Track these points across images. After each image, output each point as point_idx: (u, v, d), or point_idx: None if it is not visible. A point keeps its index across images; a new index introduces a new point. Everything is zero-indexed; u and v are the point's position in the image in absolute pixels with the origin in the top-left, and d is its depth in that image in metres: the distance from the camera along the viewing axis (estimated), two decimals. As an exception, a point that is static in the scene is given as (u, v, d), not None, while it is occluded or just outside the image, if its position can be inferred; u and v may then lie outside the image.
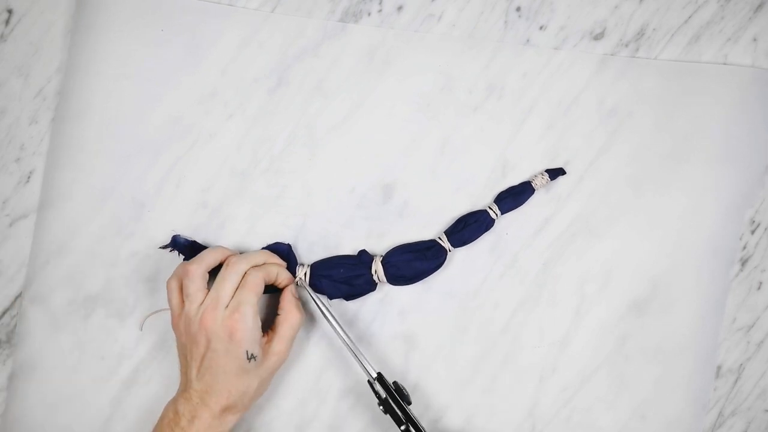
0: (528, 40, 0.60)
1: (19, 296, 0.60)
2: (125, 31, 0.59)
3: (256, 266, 0.55)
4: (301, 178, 0.60)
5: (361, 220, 0.60)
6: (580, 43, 0.60)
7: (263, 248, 0.59)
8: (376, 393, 0.55)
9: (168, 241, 0.59)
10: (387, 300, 0.60)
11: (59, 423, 0.59)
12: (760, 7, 0.60)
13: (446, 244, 0.58)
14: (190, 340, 0.53)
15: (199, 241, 0.59)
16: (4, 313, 0.60)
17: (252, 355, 0.52)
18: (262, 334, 0.54)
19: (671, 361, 0.60)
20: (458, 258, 0.60)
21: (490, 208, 0.59)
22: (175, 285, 0.54)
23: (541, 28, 0.60)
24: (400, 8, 0.60)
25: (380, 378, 0.55)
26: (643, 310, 0.60)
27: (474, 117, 0.60)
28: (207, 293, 0.53)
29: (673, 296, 0.60)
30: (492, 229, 0.59)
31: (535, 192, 0.59)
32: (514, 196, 0.59)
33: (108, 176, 0.59)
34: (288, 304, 0.56)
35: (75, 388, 0.59)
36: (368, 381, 0.55)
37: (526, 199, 0.59)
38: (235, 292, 0.53)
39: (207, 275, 0.54)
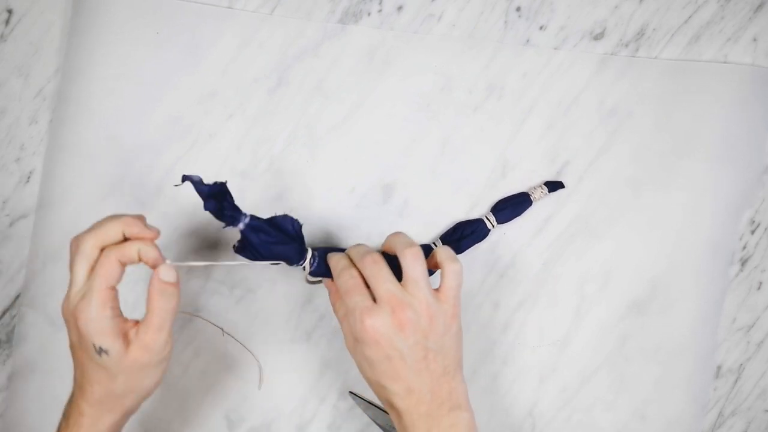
0: (528, 40, 0.60)
1: (19, 296, 0.60)
2: (125, 32, 0.59)
3: (112, 245, 0.46)
4: (301, 178, 0.60)
5: (361, 220, 0.60)
6: (580, 43, 0.60)
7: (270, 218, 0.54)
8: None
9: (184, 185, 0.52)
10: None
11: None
12: (760, 7, 0.60)
13: None
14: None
15: (201, 241, 0.59)
16: (4, 313, 0.60)
17: (101, 348, 0.45)
18: (117, 323, 0.46)
19: (671, 361, 0.60)
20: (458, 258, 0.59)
21: (486, 218, 0.58)
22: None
23: (541, 28, 0.60)
24: (400, 8, 0.60)
25: None
26: (642, 311, 0.60)
27: (474, 117, 0.60)
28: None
29: (673, 296, 0.60)
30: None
31: (533, 204, 0.59)
32: (512, 207, 0.59)
33: (108, 176, 0.59)
34: (153, 289, 0.46)
35: (75, 388, 0.59)
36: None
37: (523, 211, 0.59)
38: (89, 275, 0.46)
39: (96, 252, 0.46)
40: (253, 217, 0.52)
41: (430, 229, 0.60)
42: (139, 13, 0.59)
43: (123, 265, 0.46)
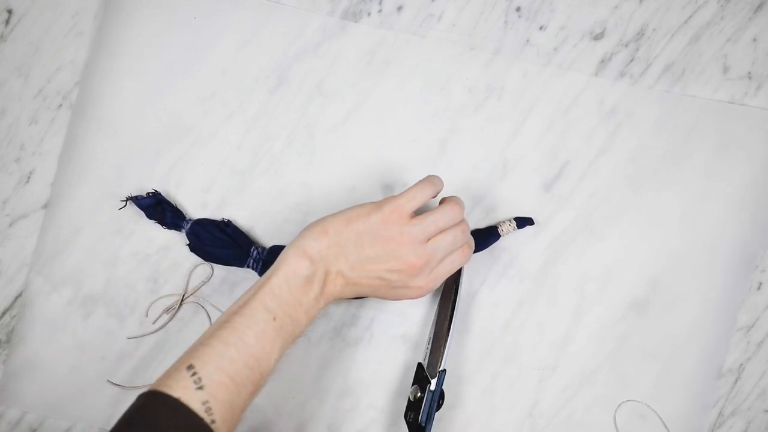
0: (528, 40, 0.60)
1: (19, 296, 0.60)
2: (131, 33, 0.59)
3: None
4: (301, 178, 0.60)
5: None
6: (580, 43, 0.60)
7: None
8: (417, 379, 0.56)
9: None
10: (387, 300, 0.59)
11: (59, 423, 0.59)
12: (760, 7, 0.60)
13: None
14: None
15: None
16: (4, 313, 0.60)
17: None
18: None
19: (671, 360, 0.60)
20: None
21: None
22: None
23: (541, 28, 0.60)
24: (400, 8, 0.60)
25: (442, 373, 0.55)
26: (643, 310, 0.60)
27: (474, 117, 0.60)
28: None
29: (673, 296, 0.60)
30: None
31: (500, 238, 0.59)
32: (482, 239, 0.58)
33: (108, 176, 0.59)
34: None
35: (75, 388, 0.59)
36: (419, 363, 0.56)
37: (491, 244, 0.59)
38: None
39: None
40: (197, 221, 0.58)
41: (430, 229, 0.60)
42: (156, 10, 0.59)
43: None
